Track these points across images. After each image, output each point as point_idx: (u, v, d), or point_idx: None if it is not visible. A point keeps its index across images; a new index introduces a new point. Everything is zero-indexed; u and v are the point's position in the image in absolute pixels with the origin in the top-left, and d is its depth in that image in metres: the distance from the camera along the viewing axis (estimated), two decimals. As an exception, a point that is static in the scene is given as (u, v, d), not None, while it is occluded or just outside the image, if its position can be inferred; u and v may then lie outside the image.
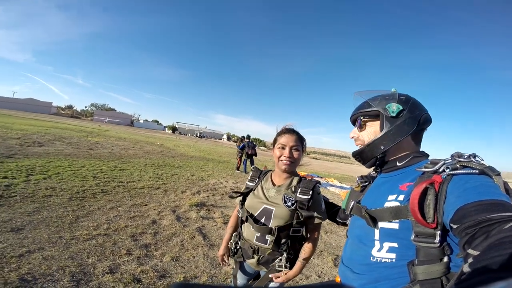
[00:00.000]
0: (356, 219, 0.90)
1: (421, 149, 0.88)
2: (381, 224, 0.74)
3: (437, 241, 0.61)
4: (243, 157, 10.20)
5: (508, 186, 0.61)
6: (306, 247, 1.26)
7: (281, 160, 1.23)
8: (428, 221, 0.62)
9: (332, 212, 1.28)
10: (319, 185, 1.28)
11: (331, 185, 9.93)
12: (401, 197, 0.72)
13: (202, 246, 2.89)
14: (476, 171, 0.62)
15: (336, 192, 8.71)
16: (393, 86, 0.99)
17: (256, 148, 10.63)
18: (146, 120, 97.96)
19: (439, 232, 0.61)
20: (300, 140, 1.27)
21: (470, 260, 0.46)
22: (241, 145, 10.30)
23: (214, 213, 4.21)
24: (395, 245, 0.70)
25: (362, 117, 0.89)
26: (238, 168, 10.26)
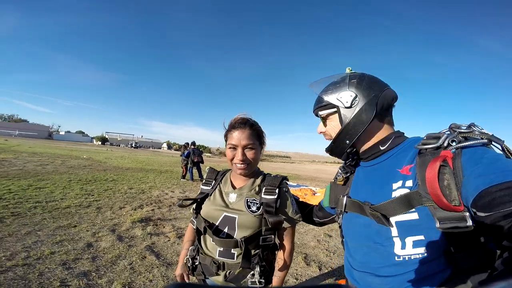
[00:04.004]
0: (353, 217, 0.83)
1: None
2: (395, 219, 0.67)
3: (470, 224, 0.55)
4: (189, 165, 9.88)
5: None
6: (281, 258, 1.11)
7: (234, 164, 1.07)
8: (454, 204, 0.56)
9: (305, 213, 1.19)
10: (286, 181, 1.15)
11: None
12: (408, 183, 0.67)
13: (157, 267, 2.64)
14: (485, 141, 0.59)
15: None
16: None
17: (202, 155, 10.43)
18: (69, 132, 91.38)
19: (468, 213, 0.56)
20: (255, 135, 1.08)
21: (505, 255, 0.45)
22: (185, 153, 9.98)
23: (164, 227, 3.91)
24: (421, 237, 0.64)
25: (320, 113, 0.86)
26: (184, 177, 9.87)
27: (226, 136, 1.11)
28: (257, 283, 1.02)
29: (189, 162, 9.84)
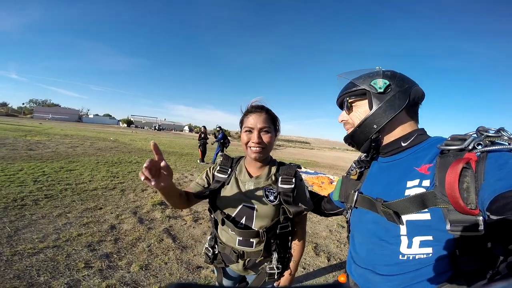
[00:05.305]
0: (363, 213, 0.83)
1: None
2: (407, 217, 0.67)
3: (482, 228, 0.54)
4: (218, 147, 10.19)
5: None
6: (296, 244, 1.18)
7: (250, 147, 1.09)
8: (470, 207, 0.56)
9: (314, 202, 1.21)
10: (298, 169, 1.18)
11: (304, 172, 10.08)
12: (425, 183, 0.66)
13: (173, 250, 2.80)
14: None
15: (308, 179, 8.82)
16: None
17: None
18: (97, 115, 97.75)
19: (481, 218, 0.55)
20: (271, 120, 1.11)
21: (510, 259, 0.45)
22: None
23: (182, 210, 4.07)
24: (430, 238, 0.64)
25: (348, 98, 0.84)
26: (202, 160, 10.09)
27: (241, 121, 1.15)
28: (275, 269, 1.09)
29: (223, 146, 10.13)
